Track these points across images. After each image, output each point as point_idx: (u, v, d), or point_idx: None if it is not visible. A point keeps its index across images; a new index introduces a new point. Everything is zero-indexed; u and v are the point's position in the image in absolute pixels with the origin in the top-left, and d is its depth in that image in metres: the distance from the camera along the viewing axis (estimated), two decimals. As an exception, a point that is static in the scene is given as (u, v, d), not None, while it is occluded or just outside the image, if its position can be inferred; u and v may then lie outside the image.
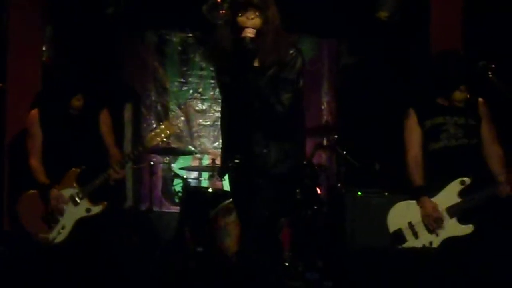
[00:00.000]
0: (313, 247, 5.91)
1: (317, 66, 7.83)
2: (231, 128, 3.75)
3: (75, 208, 5.11)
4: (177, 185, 7.01)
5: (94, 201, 5.14)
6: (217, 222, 5.75)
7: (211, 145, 7.75)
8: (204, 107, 7.80)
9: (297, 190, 5.68)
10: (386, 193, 6.01)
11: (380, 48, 7.17)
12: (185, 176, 6.97)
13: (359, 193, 6.08)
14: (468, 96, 4.42)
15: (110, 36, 7.20)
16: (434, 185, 4.39)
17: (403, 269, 4.59)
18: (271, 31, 3.59)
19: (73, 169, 5.12)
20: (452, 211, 4.31)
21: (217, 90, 7.02)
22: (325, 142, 6.64)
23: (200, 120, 7.79)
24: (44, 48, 6.40)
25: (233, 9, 3.61)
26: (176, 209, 6.93)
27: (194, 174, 7.46)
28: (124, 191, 7.50)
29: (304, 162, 5.59)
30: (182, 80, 7.79)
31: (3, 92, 5.98)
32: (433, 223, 4.31)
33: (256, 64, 3.62)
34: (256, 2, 3.55)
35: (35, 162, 5.18)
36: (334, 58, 7.91)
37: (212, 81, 7.63)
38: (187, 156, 7.52)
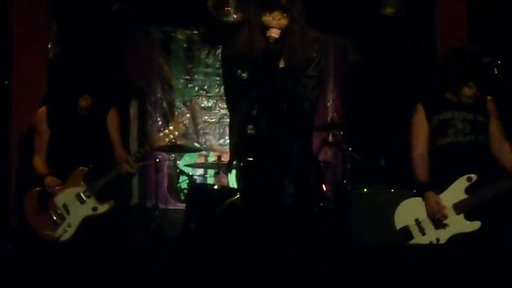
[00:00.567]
0: (319, 244, 5.90)
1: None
2: (246, 126, 3.71)
3: (81, 206, 5.11)
4: (183, 182, 7.03)
5: (100, 199, 5.15)
6: (223, 219, 5.75)
7: (217, 142, 7.75)
8: (209, 104, 7.80)
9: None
10: (391, 190, 6.00)
11: (386, 45, 7.16)
12: (190, 173, 6.96)
13: (365, 190, 6.09)
14: (477, 92, 4.40)
15: (115, 33, 7.21)
16: (441, 181, 4.38)
17: (409, 265, 4.59)
18: (298, 30, 3.58)
19: (80, 168, 5.13)
20: (459, 207, 4.30)
21: (222, 87, 7.06)
22: (330, 139, 6.63)
23: (206, 117, 7.80)
24: (49, 46, 6.41)
25: (259, 8, 3.58)
26: (181, 206, 6.94)
27: (200, 171, 7.46)
28: (130, 189, 7.51)
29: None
30: (188, 77, 7.79)
31: (9, 90, 5.99)
32: (438, 215, 4.30)
33: (281, 65, 3.61)
34: (284, 3, 3.53)
35: (38, 159, 5.20)
36: (340, 56, 7.91)
37: (218, 78, 7.63)
38: (192, 153, 7.53)
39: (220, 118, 7.74)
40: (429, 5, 6.35)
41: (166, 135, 5.28)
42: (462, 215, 4.30)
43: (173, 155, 7.02)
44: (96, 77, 5.49)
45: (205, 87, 7.80)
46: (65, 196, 5.10)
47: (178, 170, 7.12)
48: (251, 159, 3.68)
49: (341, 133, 6.59)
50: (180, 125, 5.45)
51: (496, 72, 4.27)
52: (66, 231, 5.09)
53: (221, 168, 6.59)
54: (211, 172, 7.12)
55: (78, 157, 5.15)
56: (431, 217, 4.34)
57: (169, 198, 7.54)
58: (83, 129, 5.18)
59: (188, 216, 6.15)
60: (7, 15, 6.05)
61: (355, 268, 5.46)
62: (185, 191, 6.71)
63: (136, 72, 7.64)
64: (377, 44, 7.24)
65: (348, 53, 7.81)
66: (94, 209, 5.12)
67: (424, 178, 4.44)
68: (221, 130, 7.74)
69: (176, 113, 7.73)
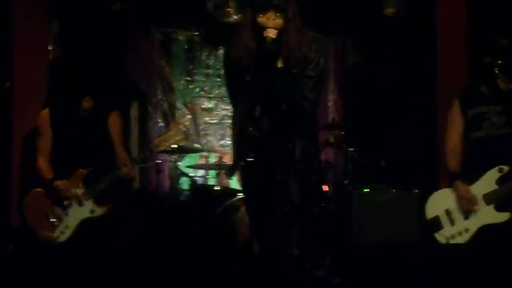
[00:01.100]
0: (321, 244, 5.90)
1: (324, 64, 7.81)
2: (247, 127, 3.71)
3: (79, 209, 5.12)
4: (184, 183, 7.01)
5: (99, 202, 5.14)
6: (224, 220, 5.75)
7: (218, 143, 7.75)
8: (210, 105, 7.80)
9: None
10: (392, 190, 6.00)
11: (387, 45, 7.16)
12: (192, 174, 6.96)
13: (366, 190, 6.08)
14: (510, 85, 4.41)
15: (116, 34, 7.21)
16: (474, 174, 4.39)
17: (410, 265, 4.58)
18: (293, 30, 3.58)
19: (81, 170, 5.13)
20: (489, 198, 4.32)
21: (223, 88, 7.05)
22: (331, 139, 6.63)
23: (207, 118, 7.79)
24: (50, 47, 6.42)
25: (254, 10, 3.59)
26: (183, 207, 6.93)
27: (201, 172, 7.46)
28: (131, 190, 7.50)
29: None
30: (189, 78, 7.79)
31: (10, 91, 5.99)
32: (467, 204, 4.31)
33: (279, 64, 3.62)
34: (277, 3, 3.54)
35: (42, 161, 5.20)
36: (341, 56, 7.91)
37: (219, 79, 7.63)
38: (193, 154, 7.52)
39: (221, 119, 7.73)
40: (430, 5, 6.35)
41: (166, 140, 5.29)
42: (492, 206, 4.31)
43: (174, 156, 7.01)
44: (97, 78, 5.49)
45: (206, 88, 7.79)
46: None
47: (179, 171, 7.11)
48: (252, 159, 3.69)
49: (342, 133, 6.59)
50: (181, 131, 5.46)
51: (496, 71, 4.29)
52: (64, 233, 5.09)
53: (222, 169, 6.59)
54: (212, 173, 7.11)
55: (79, 159, 5.16)
56: (461, 206, 4.35)
57: (170, 199, 7.53)
58: (85, 131, 5.19)
59: (189, 217, 6.15)
60: (7, 16, 6.05)
61: (355, 268, 5.46)
62: (186, 192, 6.70)
63: (136, 73, 7.63)
64: (378, 45, 7.24)
65: (349, 53, 7.81)
66: (92, 211, 5.12)
67: (454, 168, 4.48)
68: (222, 131, 7.73)
69: (177, 114, 7.73)
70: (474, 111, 4.46)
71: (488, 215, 4.31)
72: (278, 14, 3.55)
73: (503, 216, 4.27)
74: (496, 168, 4.31)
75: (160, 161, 6.79)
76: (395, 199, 5.95)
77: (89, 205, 5.12)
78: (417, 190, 5.89)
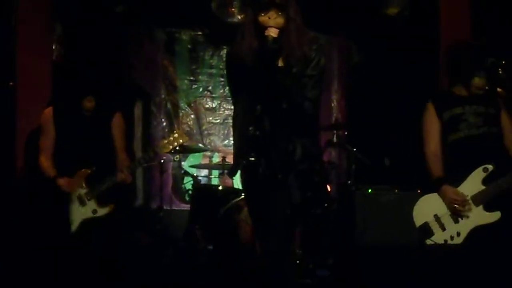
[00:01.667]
0: (324, 245, 5.90)
1: (327, 64, 7.81)
2: (248, 127, 3.71)
3: (82, 209, 5.11)
4: (187, 183, 7.02)
5: (101, 202, 5.13)
6: (227, 220, 5.76)
7: (221, 143, 7.76)
8: (214, 105, 7.81)
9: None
10: (396, 190, 6.00)
11: (390, 45, 7.16)
12: (195, 174, 6.97)
13: (369, 190, 6.09)
14: (487, 84, 4.37)
15: (119, 34, 7.22)
16: (457, 176, 4.34)
17: (413, 266, 4.58)
18: (294, 29, 3.59)
19: (84, 169, 5.12)
20: (477, 199, 4.25)
21: (227, 88, 7.06)
22: (335, 140, 6.63)
23: (210, 118, 7.81)
24: (54, 47, 6.43)
25: (255, 9, 3.60)
26: (186, 207, 6.94)
27: (204, 172, 7.47)
28: (135, 190, 7.52)
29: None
30: (192, 78, 7.80)
31: (14, 90, 6.00)
32: (459, 207, 4.27)
33: (280, 63, 3.62)
34: (278, 2, 3.54)
35: (45, 159, 5.18)
36: (344, 56, 7.91)
37: (222, 79, 7.64)
38: (197, 154, 7.53)
39: (224, 119, 7.75)
40: (433, 5, 6.34)
41: (170, 143, 5.28)
42: (481, 207, 4.25)
43: (177, 156, 7.02)
44: (100, 78, 5.49)
45: (210, 88, 7.81)
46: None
47: (182, 171, 7.11)
48: (254, 159, 3.68)
49: (346, 133, 6.59)
50: (185, 134, 5.46)
51: (500, 72, 4.27)
52: None
53: (225, 169, 6.59)
54: (215, 172, 7.12)
55: (82, 158, 5.15)
56: (452, 210, 4.31)
57: (174, 199, 7.54)
58: (87, 131, 5.17)
59: (193, 217, 6.16)
60: (11, 16, 6.06)
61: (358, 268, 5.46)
62: (190, 192, 6.70)
63: (140, 73, 7.64)
64: (381, 45, 7.24)
65: (352, 53, 7.81)
66: (94, 211, 5.11)
67: (438, 173, 4.41)
68: (226, 131, 7.74)
69: (180, 114, 7.74)
70: (449, 113, 4.38)
71: (478, 216, 4.24)
72: (279, 13, 3.56)
73: (494, 216, 4.23)
74: (481, 168, 4.25)
75: (163, 161, 6.80)
76: (398, 199, 5.95)
77: (91, 205, 5.12)
78: (420, 191, 5.88)
